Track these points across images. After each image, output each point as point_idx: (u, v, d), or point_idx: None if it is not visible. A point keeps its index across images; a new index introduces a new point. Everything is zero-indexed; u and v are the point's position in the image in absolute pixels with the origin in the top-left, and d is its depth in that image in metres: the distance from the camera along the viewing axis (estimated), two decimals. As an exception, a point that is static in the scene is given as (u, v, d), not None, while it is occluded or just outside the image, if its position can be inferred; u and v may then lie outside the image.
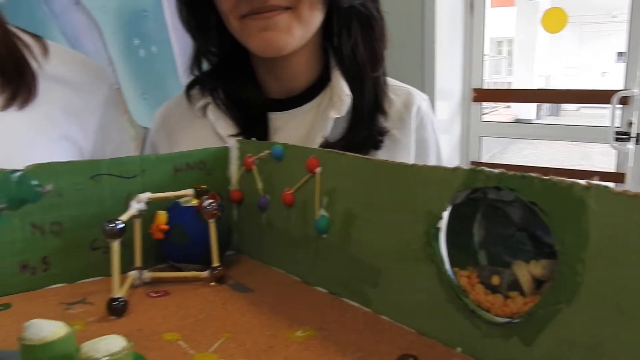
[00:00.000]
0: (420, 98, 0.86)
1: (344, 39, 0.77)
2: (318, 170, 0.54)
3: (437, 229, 0.42)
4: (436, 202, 0.42)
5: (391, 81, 0.85)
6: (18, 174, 0.29)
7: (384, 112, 0.81)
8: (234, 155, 0.69)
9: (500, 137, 2.36)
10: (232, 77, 0.82)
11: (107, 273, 0.60)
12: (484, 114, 2.22)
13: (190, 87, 0.85)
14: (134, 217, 0.56)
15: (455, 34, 2.10)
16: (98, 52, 1.40)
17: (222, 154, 0.68)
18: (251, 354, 0.40)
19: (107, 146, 0.82)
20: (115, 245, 0.51)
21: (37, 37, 0.77)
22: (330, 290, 0.54)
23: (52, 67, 0.75)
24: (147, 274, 0.57)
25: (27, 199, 0.29)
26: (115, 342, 0.35)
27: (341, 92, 0.77)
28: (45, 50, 0.76)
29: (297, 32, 0.73)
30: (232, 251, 0.67)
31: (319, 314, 0.48)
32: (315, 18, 0.74)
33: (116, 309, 0.48)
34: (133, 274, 0.56)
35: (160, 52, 1.51)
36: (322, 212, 0.54)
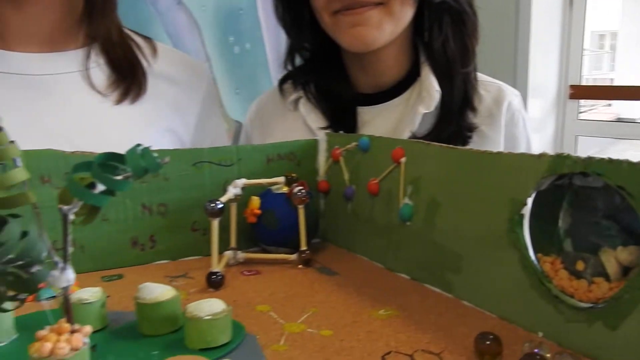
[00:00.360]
0: (511, 94, 0.85)
1: (435, 34, 0.78)
2: (403, 160, 0.56)
3: (521, 216, 0.42)
4: (521, 189, 0.42)
5: (482, 77, 0.85)
6: (142, 147, 0.34)
7: (473, 108, 0.81)
8: (322, 147, 0.72)
9: (599, 137, 2.24)
10: (324, 72, 0.85)
11: (205, 253, 0.65)
12: (581, 112, 2.12)
13: (283, 81, 0.90)
14: (230, 200, 0.61)
15: (553, 27, 2.01)
16: (197, 49, 1.49)
17: (311, 146, 0.72)
18: (337, 326, 0.43)
19: (206, 138, 0.88)
20: (215, 224, 0.55)
21: (147, 39, 0.85)
22: (412, 276, 0.55)
23: (159, 66, 0.82)
24: (241, 255, 0.61)
25: (149, 168, 0.33)
26: (216, 304, 0.39)
27: (430, 88, 0.78)
28: (154, 50, 0.83)
29: (387, 28, 0.75)
30: (318, 239, 0.71)
31: (401, 297, 0.50)
32: (406, 13, 0.76)
33: (215, 282, 0.53)
34: (228, 253, 0.60)
35: (254, 48, 1.58)
36: (406, 200, 0.56)
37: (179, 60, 0.87)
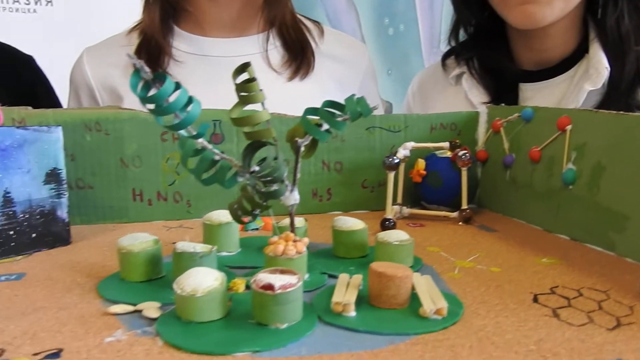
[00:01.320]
0: None
1: (610, 10, 0.78)
2: (569, 127, 0.59)
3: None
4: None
5: None
6: (357, 95, 0.42)
7: None
8: (483, 119, 0.77)
9: None
10: (487, 48, 0.89)
11: (372, 208, 0.74)
12: None
13: (446, 56, 0.95)
14: (400, 160, 0.68)
15: None
16: (353, 30, 1.58)
17: (472, 118, 0.77)
18: (504, 266, 0.48)
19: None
20: (391, 176, 0.63)
21: (316, 22, 0.95)
22: (572, 236, 0.59)
23: (326, 46, 0.92)
24: (406, 210, 0.68)
25: (363, 113, 0.42)
26: (402, 234, 0.47)
27: (599, 65, 0.79)
28: (321, 32, 0.93)
29: (558, 5, 0.76)
30: (474, 205, 0.76)
31: (562, 251, 0.54)
32: None
33: (388, 227, 0.61)
34: (396, 207, 0.68)
35: (407, 30, 1.64)
36: (570, 165, 0.59)
37: (342, 41, 0.97)
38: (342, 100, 0.94)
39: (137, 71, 0.36)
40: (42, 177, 0.52)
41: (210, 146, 0.41)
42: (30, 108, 0.61)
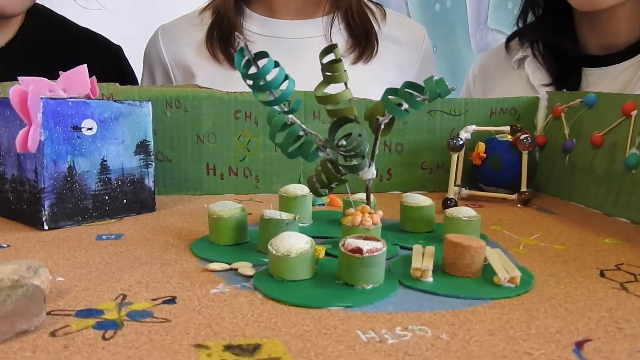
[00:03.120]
0: None
1: None
2: (634, 113, 0.60)
3: None
4: None
5: None
6: (437, 77, 0.45)
7: None
8: (543, 104, 0.78)
9: None
10: (553, 30, 0.89)
11: (430, 189, 0.76)
12: None
13: (510, 38, 0.96)
14: (464, 142, 0.70)
15: None
16: (400, 7, 1.57)
17: (532, 103, 0.78)
18: (567, 244, 0.50)
19: (421, 96, 0.98)
20: (454, 157, 0.66)
21: (378, 5, 0.97)
22: (633, 220, 0.60)
23: (387, 29, 0.94)
24: (465, 191, 0.71)
25: (442, 93, 0.44)
26: (470, 210, 0.49)
27: None
28: (384, 15, 0.95)
29: None
30: (531, 189, 0.77)
31: (624, 233, 0.55)
32: None
33: (449, 205, 0.63)
34: (455, 189, 0.70)
35: (454, 6, 1.62)
36: (634, 150, 0.60)
37: (403, 24, 0.98)
38: (400, 83, 0.96)
39: (241, 50, 0.39)
40: (134, 147, 0.57)
41: (298, 121, 0.44)
42: (117, 84, 0.66)
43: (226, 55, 0.87)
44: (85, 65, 0.53)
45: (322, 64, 0.46)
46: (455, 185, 0.71)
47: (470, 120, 0.76)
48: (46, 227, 0.51)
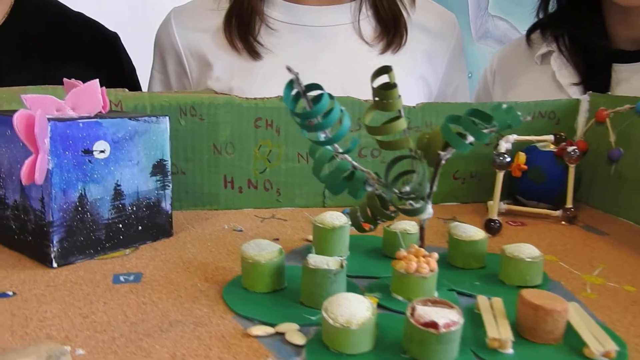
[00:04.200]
0: None
1: None
2: (699, 129, 0.55)
3: None
4: None
5: None
6: (505, 105, 0.39)
7: None
8: (584, 107, 0.72)
9: None
10: (580, 23, 0.83)
11: (462, 200, 0.71)
12: None
13: (531, 30, 0.89)
14: (511, 159, 0.65)
15: None
16: None
17: (572, 106, 0.72)
18: (636, 284, 0.45)
19: (449, 87, 0.92)
20: (500, 176, 0.60)
21: None
22: (695, 247, 0.55)
23: (417, 16, 0.87)
24: (504, 205, 0.65)
25: (512, 124, 0.38)
26: (533, 249, 0.44)
27: None
28: (413, 1, 0.88)
29: None
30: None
31: (690, 265, 0.50)
32: None
33: (494, 228, 0.58)
34: (491, 202, 0.65)
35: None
36: (698, 170, 0.55)
37: (433, 11, 0.91)
38: (430, 75, 0.89)
39: (290, 82, 0.33)
40: (149, 168, 0.51)
41: (350, 158, 0.38)
42: (126, 90, 0.60)
43: (246, 45, 0.79)
44: (97, 80, 0.46)
45: (373, 87, 0.40)
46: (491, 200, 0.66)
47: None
48: (55, 265, 0.45)
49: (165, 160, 0.52)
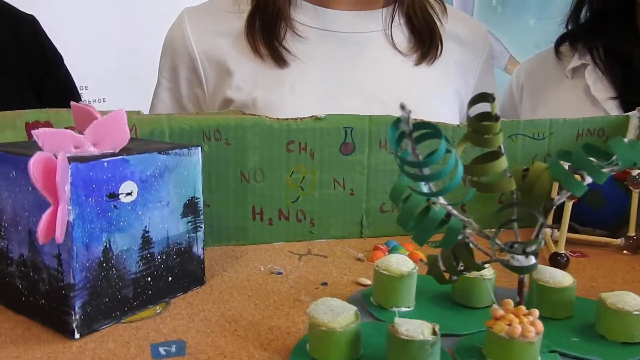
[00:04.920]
0: None
1: None
2: None
3: None
4: None
5: None
6: (628, 139, 0.33)
7: None
8: (634, 124, 0.67)
9: None
10: (614, 33, 0.78)
11: (508, 225, 0.65)
12: None
13: (560, 42, 0.84)
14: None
15: None
16: (465, 9, 1.54)
17: (621, 123, 0.67)
18: None
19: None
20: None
21: (438, 0, 0.83)
22: None
23: (450, 26, 0.81)
24: (557, 233, 0.60)
25: (637, 162, 0.33)
26: (637, 298, 0.38)
27: None
28: (444, 10, 0.81)
29: None
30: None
31: None
32: None
33: (561, 263, 0.52)
34: (547, 231, 0.59)
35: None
36: None
37: (464, 21, 0.85)
38: (464, 89, 0.83)
39: (397, 121, 0.26)
40: (180, 209, 0.43)
41: (450, 207, 0.32)
42: (142, 112, 0.52)
43: (271, 51, 0.71)
44: (123, 109, 0.38)
45: (468, 117, 0.34)
46: (547, 226, 0.60)
47: (555, 144, 0.65)
48: (77, 336, 0.37)
49: (197, 198, 0.44)
